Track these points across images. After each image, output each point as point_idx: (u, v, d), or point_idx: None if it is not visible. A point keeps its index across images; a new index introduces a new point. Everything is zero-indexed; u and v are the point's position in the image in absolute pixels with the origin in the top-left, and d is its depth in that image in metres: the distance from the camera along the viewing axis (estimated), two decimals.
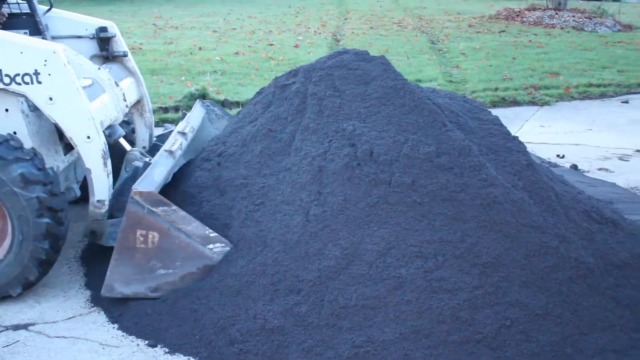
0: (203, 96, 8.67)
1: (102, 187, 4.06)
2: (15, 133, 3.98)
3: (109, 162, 4.06)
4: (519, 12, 18.95)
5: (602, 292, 3.48)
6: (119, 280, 3.70)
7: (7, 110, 3.99)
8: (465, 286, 3.32)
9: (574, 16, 17.62)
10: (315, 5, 22.79)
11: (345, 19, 18.95)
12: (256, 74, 10.70)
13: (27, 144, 3.96)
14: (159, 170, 4.03)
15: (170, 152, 4.31)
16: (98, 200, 4.07)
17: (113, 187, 4.22)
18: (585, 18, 17.39)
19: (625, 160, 6.72)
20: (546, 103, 9.22)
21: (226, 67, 11.09)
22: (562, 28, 16.70)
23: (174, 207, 3.65)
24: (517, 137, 4.18)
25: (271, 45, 13.57)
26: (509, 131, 4.21)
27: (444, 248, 3.42)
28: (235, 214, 3.86)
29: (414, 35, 15.46)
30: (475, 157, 3.69)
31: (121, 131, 4.44)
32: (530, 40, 14.50)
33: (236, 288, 3.57)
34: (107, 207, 4.09)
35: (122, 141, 4.67)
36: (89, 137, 3.97)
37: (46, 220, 3.80)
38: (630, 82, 10.39)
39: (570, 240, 3.57)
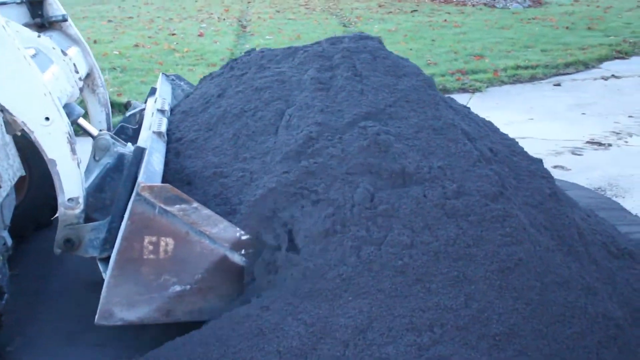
0: None
1: (73, 181, 3.11)
2: None
3: (77, 147, 3.11)
4: None
5: (633, 350, 2.80)
6: (120, 303, 2.82)
7: None
8: None
9: None
10: None
11: (249, 2, 17.98)
12: (160, 69, 9.66)
13: None
14: (156, 158, 3.18)
15: (160, 134, 3.46)
16: (70, 199, 3.13)
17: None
18: None
19: (579, 155, 6.16)
20: (477, 89, 8.63)
21: (126, 63, 10.00)
22: (473, 5, 16.28)
23: (195, 204, 2.80)
24: (541, 160, 3.52)
25: (173, 35, 12.52)
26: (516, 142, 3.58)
27: (443, 317, 2.61)
28: None
29: (324, 17, 14.68)
30: (503, 203, 2.89)
31: (80, 110, 3.50)
32: (445, 20, 13.95)
33: None
34: (82, 206, 3.16)
35: (85, 123, 3.73)
36: (47, 119, 3.00)
37: None
38: (557, 62, 9.94)
39: (596, 291, 2.86)
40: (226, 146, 3.38)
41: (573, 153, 6.20)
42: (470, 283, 2.71)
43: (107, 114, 4.37)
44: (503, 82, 9.04)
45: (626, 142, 6.51)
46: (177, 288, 2.86)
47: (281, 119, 3.40)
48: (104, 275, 3.00)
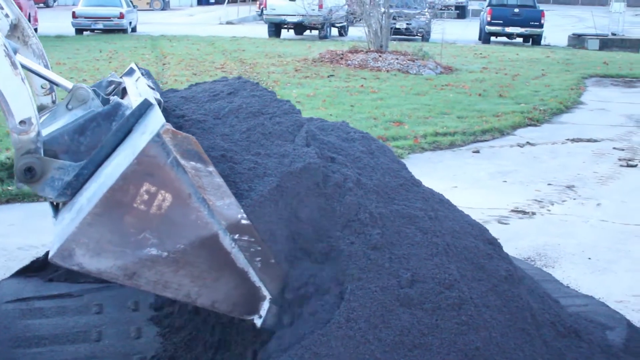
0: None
1: (20, 100, 2.69)
2: None
3: (17, 61, 2.72)
4: (342, 54, 18.74)
5: None
6: (86, 246, 2.46)
7: None
8: None
9: (397, 58, 17.64)
10: (128, 50, 21.43)
11: (164, 64, 17.82)
12: None
13: None
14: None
15: (160, 102, 3.10)
16: (21, 122, 2.70)
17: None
18: (409, 60, 17.45)
19: (505, 224, 6.23)
20: (400, 157, 8.68)
21: None
22: (387, 71, 16.61)
23: (211, 168, 2.53)
24: (496, 239, 3.49)
25: None
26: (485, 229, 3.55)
27: None
28: None
29: None
30: (457, 290, 2.81)
31: (14, 44, 3.07)
32: (362, 85, 14.16)
33: None
34: (37, 128, 2.74)
35: (51, 74, 3.34)
36: None
37: None
38: (474, 129, 10.18)
39: None
40: (238, 137, 3.16)
41: (499, 222, 6.26)
42: None
43: (46, 65, 3.95)
44: (424, 149, 9.16)
45: (549, 210, 6.64)
46: (153, 251, 2.56)
47: (299, 130, 3.27)
48: (53, 220, 2.76)
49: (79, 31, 28.69)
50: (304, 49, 22.49)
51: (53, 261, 2.49)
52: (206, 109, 3.43)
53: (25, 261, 4.75)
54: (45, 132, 2.92)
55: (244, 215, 2.65)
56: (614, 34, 29.24)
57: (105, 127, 2.97)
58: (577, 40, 28.11)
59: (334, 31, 30.86)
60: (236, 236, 2.65)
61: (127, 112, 2.89)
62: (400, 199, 3.29)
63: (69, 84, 3.35)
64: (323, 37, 28.33)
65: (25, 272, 4.53)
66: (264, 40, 26.49)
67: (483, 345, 2.69)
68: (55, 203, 2.93)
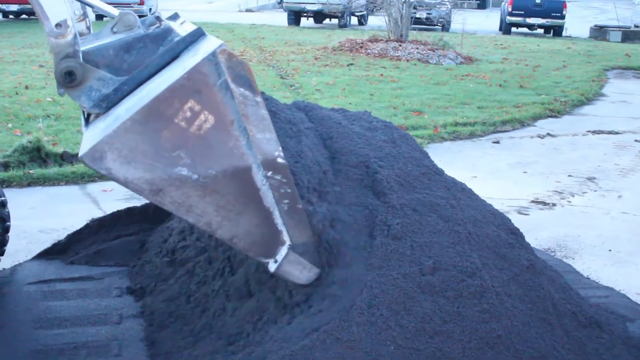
0: (38, 149, 7.33)
1: (54, 2, 2.67)
2: None
3: None
4: (362, 43, 18.68)
5: None
6: (119, 152, 2.44)
7: None
8: None
9: (417, 48, 17.57)
10: None
11: None
12: None
13: None
14: None
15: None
16: (57, 25, 2.67)
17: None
18: (429, 50, 17.37)
19: (525, 214, 6.20)
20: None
21: (60, 110, 9.70)
22: (407, 60, 16.54)
23: (259, 98, 2.52)
24: (518, 229, 3.49)
25: None
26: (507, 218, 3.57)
27: None
28: None
29: (261, 69, 14.65)
30: (479, 278, 2.82)
31: None
32: (382, 74, 14.11)
33: None
34: (73, 32, 2.70)
35: (99, 2, 3.30)
36: None
37: None
38: (494, 119, 10.12)
39: None
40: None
41: (519, 213, 6.23)
42: (448, 359, 2.61)
43: None
44: (443, 139, 9.12)
45: (569, 202, 6.59)
46: (184, 172, 2.53)
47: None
48: (83, 129, 2.76)
49: (99, 17, 28.75)
50: (324, 38, 22.43)
51: (82, 161, 2.46)
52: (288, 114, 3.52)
53: (47, 244, 4.79)
54: (87, 47, 2.86)
55: (281, 154, 2.62)
56: (636, 26, 28.92)
57: (152, 50, 2.92)
58: (599, 32, 27.82)
59: (354, 20, 30.75)
60: (269, 173, 2.62)
61: (177, 39, 2.84)
62: (422, 188, 3.29)
63: (114, 10, 3.32)
64: (343, 25, 28.23)
65: (47, 254, 4.58)
66: (284, 28, 26.44)
67: (504, 334, 2.69)
68: (86, 115, 2.90)
